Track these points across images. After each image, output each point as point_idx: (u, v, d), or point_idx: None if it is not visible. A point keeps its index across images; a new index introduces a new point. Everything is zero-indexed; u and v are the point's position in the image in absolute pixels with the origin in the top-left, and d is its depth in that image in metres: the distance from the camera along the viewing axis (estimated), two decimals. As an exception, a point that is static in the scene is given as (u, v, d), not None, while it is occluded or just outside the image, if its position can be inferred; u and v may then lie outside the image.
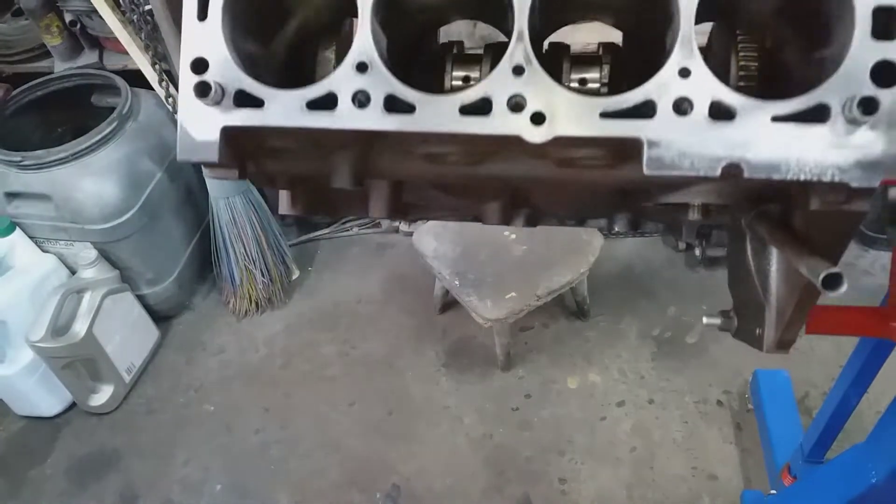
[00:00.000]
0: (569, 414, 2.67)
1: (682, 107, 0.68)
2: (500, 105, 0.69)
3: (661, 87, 0.68)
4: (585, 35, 1.01)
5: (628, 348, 2.87)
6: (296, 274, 3.27)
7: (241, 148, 0.77)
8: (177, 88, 2.69)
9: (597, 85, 0.86)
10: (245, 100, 0.73)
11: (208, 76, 0.72)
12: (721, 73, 0.77)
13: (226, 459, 2.65)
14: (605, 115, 0.68)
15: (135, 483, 2.61)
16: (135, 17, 2.40)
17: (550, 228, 2.69)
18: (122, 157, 2.64)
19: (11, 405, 2.80)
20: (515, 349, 2.87)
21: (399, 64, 0.76)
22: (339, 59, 0.78)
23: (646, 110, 0.69)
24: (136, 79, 2.73)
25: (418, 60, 0.92)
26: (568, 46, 0.87)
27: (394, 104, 0.71)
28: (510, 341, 2.79)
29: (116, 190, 2.62)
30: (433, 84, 0.88)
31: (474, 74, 0.87)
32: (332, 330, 3.07)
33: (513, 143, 0.69)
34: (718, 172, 0.68)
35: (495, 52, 0.76)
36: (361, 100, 0.71)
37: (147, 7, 2.38)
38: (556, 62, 0.87)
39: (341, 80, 0.71)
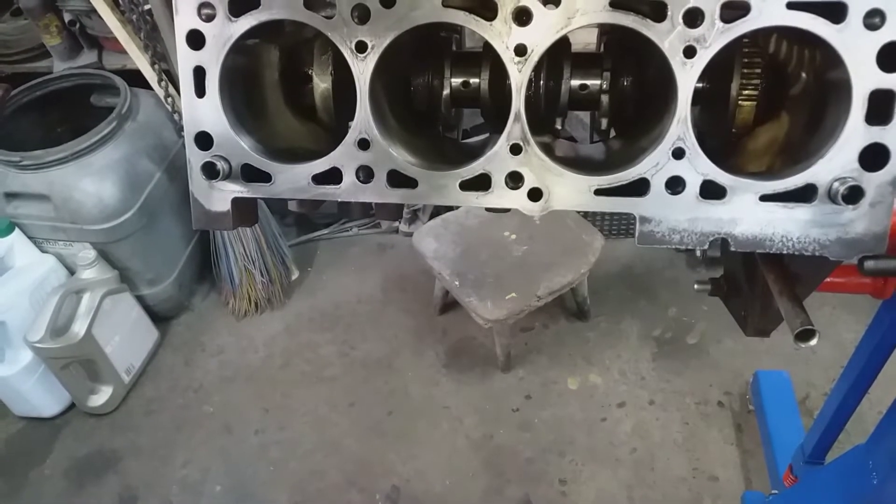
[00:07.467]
0: (569, 415, 2.66)
1: (674, 186, 0.71)
2: (498, 181, 0.73)
3: (656, 165, 0.70)
4: (586, 35, 1.00)
5: (629, 349, 2.86)
6: (295, 274, 3.26)
7: (251, 206, 0.81)
8: (176, 88, 2.69)
9: (597, 90, 0.87)
10: (253, 174, 0.76)
11: (214, 151, 0.75)
12: (723, 88, 0.78)
13: (225, 460, 2.64)
14: (600, 192, 0.71)
15: (134, 484, 2.60)
16: (134, 16, 2.40)
17: (551, 228, 2.71)
18: (121, 157, 2.63)
19: (11, 406, 2.79)
20: (516, 350, 2.86)
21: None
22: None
23: (639, 188, 0.71)
24: (135, 78, 2.73)
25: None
26: (569, 46, 0.86)
27: (396, 178, 0.74)
28: (510, 342, 2.78)
29: (115, 190, 2.61)
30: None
31: (473, 81, 0.87)
32: (331, 330, 3.06)
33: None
34: (706, 247, 0.72)
35: (495, 55, 0.75)
36: (365, 175, 0.75)
37: (146, 7, 2.38)
38: (557, 64, 0.87)
39: (345, 156, 0.74)
